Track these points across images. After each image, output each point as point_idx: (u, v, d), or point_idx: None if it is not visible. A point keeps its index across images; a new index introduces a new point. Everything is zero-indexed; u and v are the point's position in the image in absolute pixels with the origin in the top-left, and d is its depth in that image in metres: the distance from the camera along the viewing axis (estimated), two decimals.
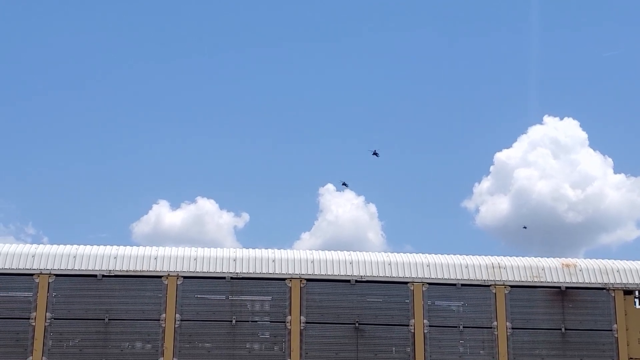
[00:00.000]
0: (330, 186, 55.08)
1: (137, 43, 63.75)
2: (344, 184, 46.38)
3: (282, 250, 18.63)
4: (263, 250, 18.55)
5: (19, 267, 17.56)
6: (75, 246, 18.16)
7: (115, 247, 18.27)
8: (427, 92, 62.38)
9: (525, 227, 46.74)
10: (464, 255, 18.98)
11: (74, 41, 63.47)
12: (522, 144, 53.58)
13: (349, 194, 55.49)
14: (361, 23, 64.92)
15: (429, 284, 18.19)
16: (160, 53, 63.93)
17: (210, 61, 63.80)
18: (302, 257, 18.32)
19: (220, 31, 65.09)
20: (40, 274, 17.53)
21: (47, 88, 62.49)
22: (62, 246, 18.12)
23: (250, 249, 18.56)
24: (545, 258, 19.21)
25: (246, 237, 56.06)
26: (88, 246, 18.23)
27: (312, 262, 18.20)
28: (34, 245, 18.15)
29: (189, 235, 54.31)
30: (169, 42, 63.80)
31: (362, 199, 55.43)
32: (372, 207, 55.27)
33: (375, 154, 45.29)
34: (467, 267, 18.54)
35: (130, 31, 63.79)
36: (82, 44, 62.96)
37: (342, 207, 54.50)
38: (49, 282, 17.49)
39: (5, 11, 62.43)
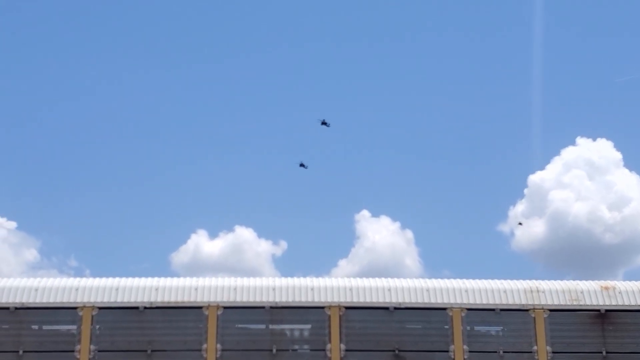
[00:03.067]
0: (365, 212, 55.16)
1: (174, 72, 64.42)
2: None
3: (320, 278, 18.75)
4: (302, 278, 18.67)
5: (63, 301, 17.83)
6: (117, 279, 18.41)
7: (156, 278, 18.49)
8: (458, 114, 62.38)
9: (520, 224, 46.08)
10: (502, 280, 18.93)
11: (109, 67, 64.32)
12: (555, 165, 53.31)
13: (384, 220, 55.53)
14: (393, 43, 65.17)
15: (468, 309, 18.17)
16: (194, 83, 64.53)
17: (243, 89, 64.32)
18: (341, 284, 18.41)
19: (255, 60, 65.62)
20: (84, 306, 17.78)
21: (84, 120, 63.31)
22: (104, 279, 18.40)
23: (289, 278, 18.70)
24: (584, 281, 19.10)
25: (284, 265, 56.24)
26: (130, 278, 18.46)
27: (351, 289, 18.28)
28: (77, 279, 18.44)
29: (228, 264, 54.61)
30: (204, 72, 64.43)
31: (397, 225, 55.41)
32: (409, 233, 55.22)
33: (324, 123, 45.14)
34: (505, 291, 18.50)
35: (168, 58, 64.51)
36: (116, 71, 63.82)
37: (379, 233, 54.57)
38: (92, 315, 17.72)
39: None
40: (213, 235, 59.40)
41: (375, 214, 55.75)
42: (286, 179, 61.09)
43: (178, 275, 18.90)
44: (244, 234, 55.21)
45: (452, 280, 18.88)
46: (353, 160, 62.18)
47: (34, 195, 59.97)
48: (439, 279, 18.93)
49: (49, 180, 59.34)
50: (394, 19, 64.33)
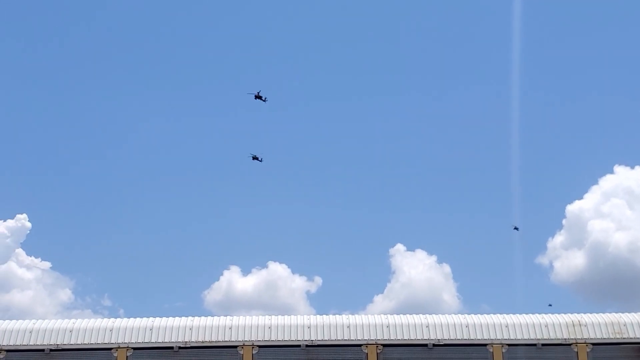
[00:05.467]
0: (400, 246, 54.67)
1: (200, 121, 64.91)
2: (254, 157, 44.83)
3: (356, 315, 18.51)
4: (337, 316, 18.44)
5: (97, 342, 17.76)
6: (151, 319, 18.32)
7: (190, 318, 18.38)
8: (494, 146, 61.96)
9: (516, 228, 45.16)
10: (543, 314, 18.59)
11: (145, 113, 65.07)
12: (594, 195, 52.51)
13: (420, 254, 54.99)
14: (434, 78, 65.18)
15: (509, 345, 17.84)
16: (220, 131, 64.97)
17: (277, 127, 64.56)
18: (377, 322, 18.15)
19: (286, 87, 65.97)
20: (119, 347, 17.70)
21: (116, 163, 63.91)
22: (138, 319, 18.30)
23: (325, 316, 18.47)
24: (627, 313, 18.70)
25: (319, 301, 55.86)
26: (164, 318, 18.37)
27: (388, 326, 18.02)
28: (111, 319, 18.37)
29: (261, 300, 54.37)
30: (228, 110, 64.80)
31: (434, 258, 54.85)
32: (446, 267, 54.60)
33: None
34: (546, 325, 18.15)
35: (199, 109, 65.11)
36: (150, 117, 64.46)
37: (415, 268, 54.02)
38: (127, 356, 17.64)
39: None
40: (246, 271, 59.21)
41: (411, 247, 55.22)
42: (319, 213, 60.90)
43: (211, 313, 18.75)
44: (278, 270, 55.02)
45: (492, 315, 18.56)
46: (386, 194, 61.92)
47: (68, 235, 60.62)
48: (478, 315, 18.62)
49: (82, 221, 59.83)
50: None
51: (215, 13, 66.87)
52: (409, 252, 55.21)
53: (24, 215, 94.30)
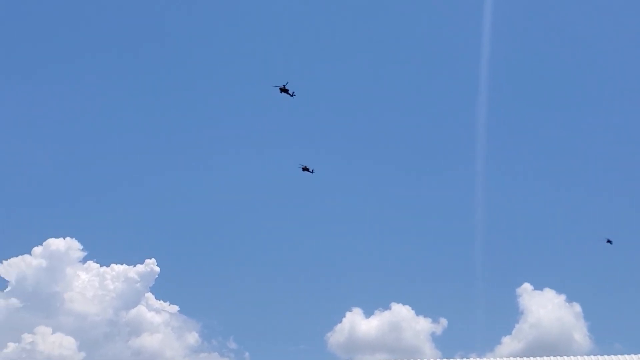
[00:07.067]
0: (527, 285, 53.37)
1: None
2: (305, 168, 43.42)
3: (484, 358, 18.15)
4: (465, 359, 18.11)
5: None
6: None
7: None
8: (619, 185, 59.94)
9: (609, 242, 42.85)
10: None
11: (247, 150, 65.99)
12: None
13: (549, 293, 53.51)
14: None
15: None
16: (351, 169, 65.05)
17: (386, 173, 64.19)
18: None
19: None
20: None
21: (237, 207, 64.89)
22: None
23: (451, 359, 18.17)
24: None
25: (445, 343, 54.90)
26: None
27: None
28: None
29: (385, 343, 53.82)
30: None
31: (563, 297, 53.21)
32: (576, 306, 52.89)
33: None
34: None
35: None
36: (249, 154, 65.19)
37: (544, 307, 52.49)
38: None
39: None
40: (368, 313, 58.94)
41: (538, 286, 53.89)
42: (442, 253, 60.17)
43: (335, 356, 18.72)
44: (402, 311, 54.44)
45: (625, 355, 17.88)
46: (511, 231, 60.67)
47: (194, 279, 61.63)
48: (612, 355, 17.98)
49: (208, 264, 60.98)
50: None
51: None
52: (537, 291, 53.87)
53: (153, 260, 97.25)
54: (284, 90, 42.61)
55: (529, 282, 53.47)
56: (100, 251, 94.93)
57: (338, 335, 55.93)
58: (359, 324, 55.65)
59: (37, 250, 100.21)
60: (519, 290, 54.45)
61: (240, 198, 65.49)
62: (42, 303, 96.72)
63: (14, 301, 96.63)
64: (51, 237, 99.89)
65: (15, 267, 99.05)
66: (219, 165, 70.30)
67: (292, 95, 43.16)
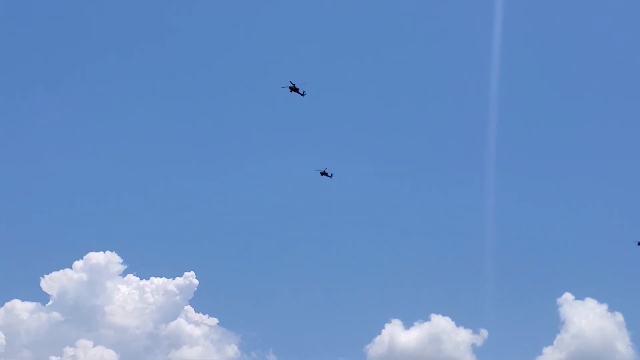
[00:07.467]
0: (568, 295, 52.65)
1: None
2: (323, 173, 42.62)
3: None
4: None
5: None
6: None
7: None
8: None
9: None
10: None
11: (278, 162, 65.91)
12: None
13: (590, 302, 52.73)
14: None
15: None
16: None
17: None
18: None
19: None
20: None
21: (278, 219, 64.91)
22: None
23: None
24: None
25: (486, 355, 54.26)
26: None
27: None
28: None
29: (425, 354, 53.33)
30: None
31: (605, 307, 52.39)
32: (619, 316, 52.03)
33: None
34: None
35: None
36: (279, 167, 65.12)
37: (585, 317, 51.71)
38: None
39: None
40: (408, 325, 58.50)
41: (579, 296, 53.09)
42: (482, 263, 59.56)
43: None
44: (441, 322, 53.99)
45: None
46: (550, 240, 59.93)
47: (233, 291, 61.72)
48: None
49: (246, 277, 61.01)
50: None
51: None
52: (578, 301, 53.07)
53: (192, 273, 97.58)
54: (294, 89, 42.48)
55: (569, 291, 52.67)
56: (140, 264, 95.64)
57: (377, 347, 55.57)
58: (398, 335, 55.24)
59: (77, 264, 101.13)
60: (559, 300, 53.76)
61: (278, 211, 65.69)
62: (83, 316, 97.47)
63: (56, 315, 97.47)
64: (91, 251, 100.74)
65: (57, 281, 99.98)
66: (257, 176, 70.62)
67: (302, 95, 43.03)
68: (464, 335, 54.77)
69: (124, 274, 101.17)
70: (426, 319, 57.10)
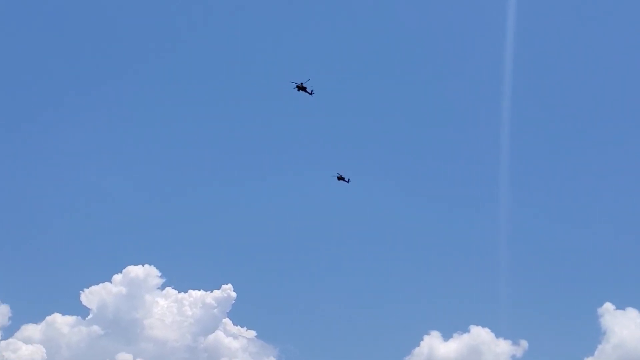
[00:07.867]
0: (609, 305, 52.07)
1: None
2: (340, 177, 42.07)
3: None
4: None
5: None
6: None
7: None
8: None
9: None
10: None
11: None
12: None
13: (631, 312, 52.11)
14: None
15: None
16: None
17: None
18: None
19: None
20: None
21: (314, 235, 65.03)
22: None
23: None
24: None
25: None
26: None
27: None
28: None
29: None
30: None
31: None
32: None
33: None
34: None
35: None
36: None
37: (627, 327, 51.13)
38: None
39: None
40: (447, 336, 58.20)
41: (620, 306, 52.48)
42: (521, 274, 59.16)
43: None
44: (481, 334, 53.64)
45: None
46: (592, 250, 59.39)
47: (271, 303, 61.87)
48: None
49: (284, 289, 61.17)
50: None
51: None
52: (619, 311, 52.45)
53: (229, 286, 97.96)
54: (301, 88, 42.40)
55: (610, 301, 52.07)
56: (178, 277, 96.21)
57: (416, 359, 55.35)
58: (437, 347, 54.96)
59: (117, 277, 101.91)
60: (600, 310, 53.16)
61: (316, 224, 65.92)
62: (122, 330, 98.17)
63: (96, 328, 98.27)
64: (130, 265, 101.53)
65: (96, 295, 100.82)
66: (295, 189, 70.95)
67: (310, 94, 42.97)
68: (503, 347, 54.41)
69: (162, 287, 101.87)
70: (465, 330, 56.83)
